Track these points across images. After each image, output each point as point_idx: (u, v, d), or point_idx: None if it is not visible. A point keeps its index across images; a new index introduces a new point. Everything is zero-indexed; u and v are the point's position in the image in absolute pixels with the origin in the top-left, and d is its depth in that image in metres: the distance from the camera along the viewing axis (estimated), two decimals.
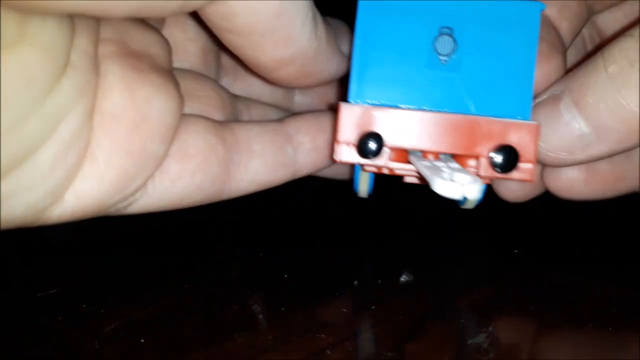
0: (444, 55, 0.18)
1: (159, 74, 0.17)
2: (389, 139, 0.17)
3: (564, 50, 0.21)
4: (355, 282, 0.19)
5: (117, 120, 0.15)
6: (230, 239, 0.25)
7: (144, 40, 0.17)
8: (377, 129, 0.17)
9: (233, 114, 0.21)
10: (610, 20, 0.24)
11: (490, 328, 0.16)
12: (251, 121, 0.20)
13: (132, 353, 0.16)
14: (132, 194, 0.16)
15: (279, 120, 0.20)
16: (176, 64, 0.20)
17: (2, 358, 0.16)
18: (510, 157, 0.17)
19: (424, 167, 0.16)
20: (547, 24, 0.20)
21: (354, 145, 0.17)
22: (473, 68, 0.18)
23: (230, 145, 0.19)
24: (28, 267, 0.21)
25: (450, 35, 0.18)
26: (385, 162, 0.18)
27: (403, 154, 0.18)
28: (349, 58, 0.19)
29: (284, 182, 0.20)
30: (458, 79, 0.18)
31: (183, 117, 0.18)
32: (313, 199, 0.28)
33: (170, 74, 0.17)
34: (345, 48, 0.20)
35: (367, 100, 0.18)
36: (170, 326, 0.17)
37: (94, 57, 0.15)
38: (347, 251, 0.23)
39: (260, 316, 0.18)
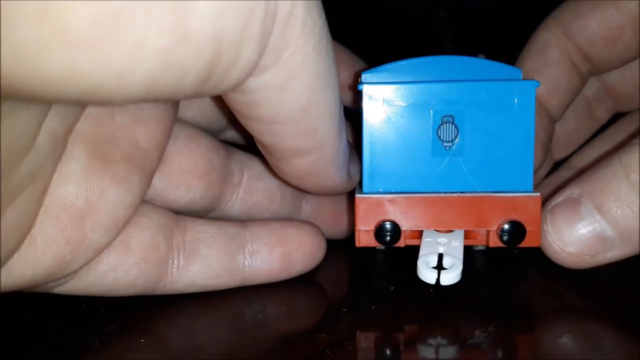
0: (447, 142, 0.18)
1: (126, 164, 0.16)
2: (404, 224, 0.19)
3: (544, 140, 0.22)
4: (392, 288, 0.20)
5: (66, 208, 0.15)
6: None
7: (135, 116, 0.16)
8: (392, 216, 0.19)
9: (219, 179, 0.20)
10: (618, 78, 0.24)
11: (490, 328, 0.16)
12: (210, 220, 0.19)
13: (132, 353, 0.16)
14: (64, 277, 0.16)
15: (241, 223, 0.19)
16: (182, 111, 0.20)
17: (3, 358, 0.16)
18: (517, 232, 0.18)
19: (423, 244, 0.18)
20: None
21: (373, 232, 0.19)
22: (476, 149, 0.18)
23: (175, 246, 0.18)
24: None
25: (451, 122, 0.18)
26: (402, 243, 0.19)
27: (419, 231, 0.19)
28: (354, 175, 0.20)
29: (230, 287, 0.19)
30: (462, 161, 0.19)
31: (141, 204, 0.17)
32: None
33: (143, 159, 0.17)
34: (353, 168, 0.19)
35: (380, 190, 0.19)
36: (170, 326, 0.17)
37: (61, 139, 0.15)
38: (347, 251, 0.23)
39: (260, 316, 0.18)
